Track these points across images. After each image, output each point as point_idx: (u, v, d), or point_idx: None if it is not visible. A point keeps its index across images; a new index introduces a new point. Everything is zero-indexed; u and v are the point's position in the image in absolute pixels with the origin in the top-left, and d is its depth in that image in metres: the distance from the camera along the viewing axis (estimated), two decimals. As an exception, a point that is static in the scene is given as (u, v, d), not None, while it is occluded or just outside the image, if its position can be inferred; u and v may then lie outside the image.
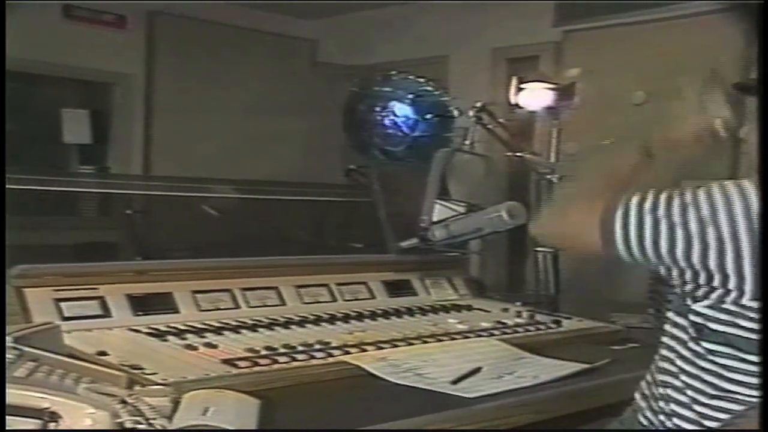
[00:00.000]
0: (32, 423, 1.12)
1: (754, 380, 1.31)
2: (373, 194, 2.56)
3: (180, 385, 1.44)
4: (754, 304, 1.27)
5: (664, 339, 1.45)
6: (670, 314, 1.43)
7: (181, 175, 3.59)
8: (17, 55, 4.11)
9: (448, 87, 2.45)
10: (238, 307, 2.06)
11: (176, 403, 1.33)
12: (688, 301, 1.35)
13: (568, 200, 1.55)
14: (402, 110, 2.27)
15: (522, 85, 2.52)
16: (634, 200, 1.33)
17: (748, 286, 1.27)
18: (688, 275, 1.32)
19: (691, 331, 1.37)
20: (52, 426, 1.12)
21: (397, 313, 2.24)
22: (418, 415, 1.47)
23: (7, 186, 1.88)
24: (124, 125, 4.84)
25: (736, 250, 1.25)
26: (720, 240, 1.26)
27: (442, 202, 1.98)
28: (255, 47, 5.45)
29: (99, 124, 4.24)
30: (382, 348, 1.85)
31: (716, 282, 1.29)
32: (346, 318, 2.12)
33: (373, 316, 2.18)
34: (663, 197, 1.32)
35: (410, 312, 2.27)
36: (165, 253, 2.30)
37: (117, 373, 1.39)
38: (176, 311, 1.94)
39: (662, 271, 1.35)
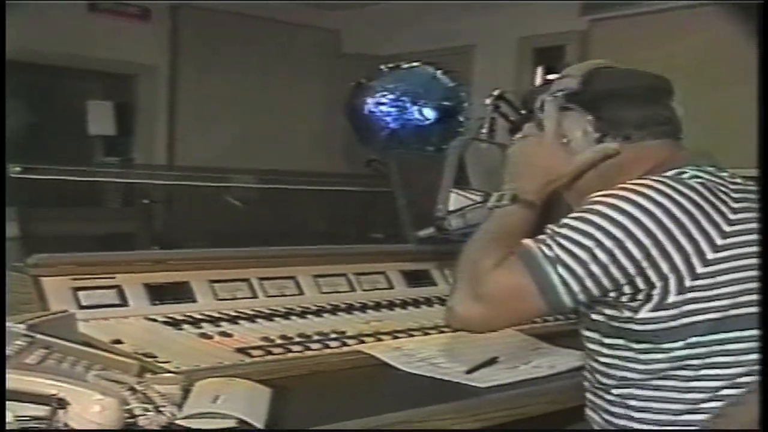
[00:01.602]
0: (41, 409, 1.12)
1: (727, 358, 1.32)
2: (393, 184, 2.54)
3: (192, 373, 1.44)
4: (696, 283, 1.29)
5: (602, 363, 1.43)
6: (606, 341, 1.40)
7: (205, 166, 3.61)
8: (43, 48, 4.15)
9: (463, 75, 2.41)
10: (255, 296, 2.05)
11: (187, 391, 1.34)
12: (626, 314, 1.34)
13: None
14: (411, 101, 2.26)
15: (548, 76, 2.48)
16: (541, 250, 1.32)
17: (682, 268, 1.29)
18: (627, 289, 1.32)
19: (636, 344, 1.36)
20: (60, 413, 1.13)
21: (415, 303, 2.23)
22: (427, 405, 1.46)
23: (26, 177, 1.90)
24: (149, 117, 4.87)
25: (658, 249, 1.28)
26: (641, 246, 1.28)
27: (458, 191, 1.95)
28: (279, 38, 5.45)
29: (123, 116, 4.27)
30: (397, 337, 1.85)
31: (655, 280, 1.30)
32: (363, 308, 2.11)
33: (391, 306, 2.17)
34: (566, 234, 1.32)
35: (428, 302, 2.26)
36: (183, 243, 2.31)
37: (128, 360, 1.39)
38: (193, 300, 1.94)
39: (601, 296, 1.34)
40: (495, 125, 1.98)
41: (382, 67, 2.51)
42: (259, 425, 1.25)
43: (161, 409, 1.23)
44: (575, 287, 1.30)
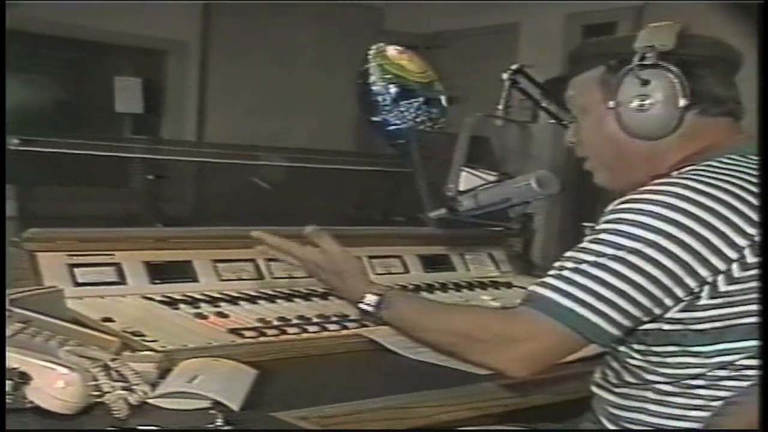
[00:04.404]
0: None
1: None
2: (414, 165, 2.47)
3: (177, 352, 1.41)
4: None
5: (627, 363, 1.33)
6: (635, 346, 1.31)
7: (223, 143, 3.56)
8: (75, 22, 4.12)
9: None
10: (261, 277, 2.00)
11: (166, 370, 1.30)
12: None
13: None
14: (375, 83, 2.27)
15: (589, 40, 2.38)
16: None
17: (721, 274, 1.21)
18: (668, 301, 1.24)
19: (662, 347, 1.28)
20: (25, 388, 1.10)
21: (429, 288, 2.16)
22: (420, 390, 1.40)
23: (25, 149, 1.88)
24: (178, 95, 4.79)
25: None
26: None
27: (470, 170, 1.88)
28: (318, 14, 5.35)
29: (152, 93, 4.18)
30: (402, 321, 1.78)
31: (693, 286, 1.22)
32: (372, 291, 2.04)
33: (403, 290, 2.10)
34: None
35: (443, 287, 2.19)
36: (195, 222, 2.26)
37: (108, 338, 1.35)
38: (195, 280, 1.89)
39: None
40: (511, 101, 1.90)
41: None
42: (234, 407, 1.20)
43: (133, 387, 1.19)
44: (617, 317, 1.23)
